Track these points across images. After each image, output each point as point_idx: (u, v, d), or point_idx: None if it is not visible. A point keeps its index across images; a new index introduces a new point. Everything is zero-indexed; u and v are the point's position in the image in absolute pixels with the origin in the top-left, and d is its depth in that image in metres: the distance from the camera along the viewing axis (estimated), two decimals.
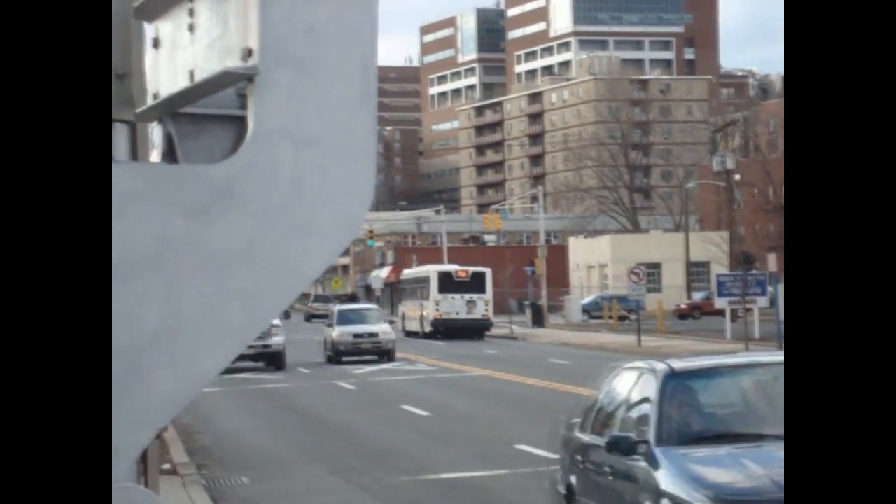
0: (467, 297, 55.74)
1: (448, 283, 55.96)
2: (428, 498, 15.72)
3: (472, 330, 55.34)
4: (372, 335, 41.59)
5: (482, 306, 56.38)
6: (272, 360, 38.08)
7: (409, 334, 57.78)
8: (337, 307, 45.99)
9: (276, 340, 37.85)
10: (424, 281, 58.21)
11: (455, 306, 55.83)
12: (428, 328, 56.49)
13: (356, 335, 41.41)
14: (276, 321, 36.93)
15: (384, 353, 41.48)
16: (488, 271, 57.49)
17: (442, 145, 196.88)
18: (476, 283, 56.21)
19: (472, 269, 57.92)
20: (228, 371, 33.87)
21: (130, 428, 2.47)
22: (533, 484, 16.35)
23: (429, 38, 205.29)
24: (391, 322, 43.35)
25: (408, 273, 66.30)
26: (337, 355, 41.32)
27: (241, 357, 34.11)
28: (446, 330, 55.10)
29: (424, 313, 57.11)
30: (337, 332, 41.75)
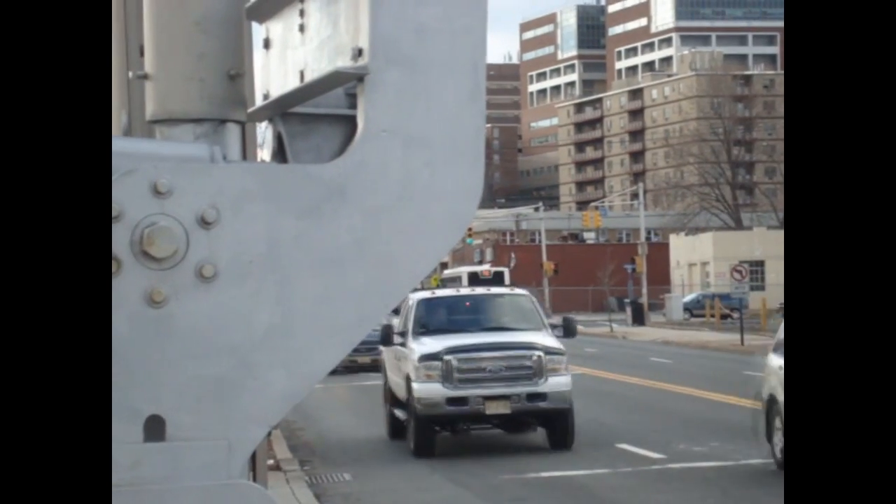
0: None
1: (475, 281, 70.78)
2: (530, 496, 15.70)
3: None
4: None
5: None
6: (545, 422, 19.46)
7: None
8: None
9: (557, 384, 18.87)
10: (458, 279, 71.84)
11: None
12: None
13: None
14: (553, 341, 19.72)
15: None
16: (506, 270, 71.29)
17: (541, 142, 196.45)
18: (497, 280, 70.81)
19: (493, 269, 72.07)
20: (456, 450, 19.51)
21: (244, 425, 2.50)
22: (634, 483, 16.23)
23: (528, 34, 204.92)
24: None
25: (447, 273, 79.43)
26: None
27: (480, 418, 19.25)
28: None
29: None
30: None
